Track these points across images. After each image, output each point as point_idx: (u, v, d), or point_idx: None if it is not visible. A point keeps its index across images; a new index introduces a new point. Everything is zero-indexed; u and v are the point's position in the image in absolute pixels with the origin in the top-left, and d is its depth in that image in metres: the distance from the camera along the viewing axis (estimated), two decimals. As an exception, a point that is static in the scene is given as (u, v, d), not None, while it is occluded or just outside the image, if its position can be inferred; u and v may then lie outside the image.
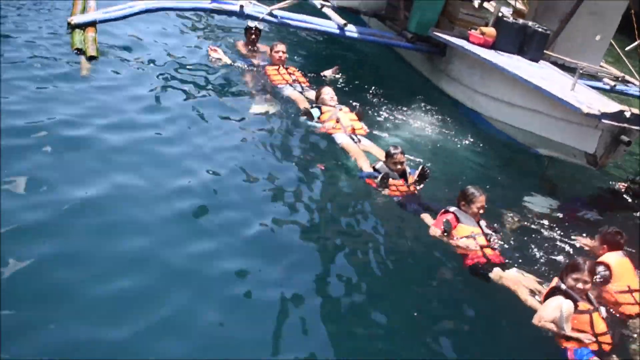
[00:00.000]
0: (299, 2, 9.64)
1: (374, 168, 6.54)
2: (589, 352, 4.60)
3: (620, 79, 10.57)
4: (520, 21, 9.37)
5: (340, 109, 7.59)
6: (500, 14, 9.35)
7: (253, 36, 9.35)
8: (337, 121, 7.39)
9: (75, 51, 7.83)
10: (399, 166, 6.43)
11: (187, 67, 8.45)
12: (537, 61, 9.12)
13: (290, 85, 8.36)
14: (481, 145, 8.31)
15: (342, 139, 7.17)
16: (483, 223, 5.77)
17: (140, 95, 7.31)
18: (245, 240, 5.12)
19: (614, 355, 4.68)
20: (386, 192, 6.28)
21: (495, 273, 5.23)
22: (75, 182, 5.19)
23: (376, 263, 5.35)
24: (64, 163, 5.45)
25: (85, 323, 3.84)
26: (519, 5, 12.37)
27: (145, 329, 3.93)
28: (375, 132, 7.71)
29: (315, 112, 7.54)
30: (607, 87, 10.36)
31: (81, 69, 7.55)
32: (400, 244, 5.79)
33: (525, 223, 6.43)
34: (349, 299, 4.82)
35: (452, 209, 5.73)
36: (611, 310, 5.18)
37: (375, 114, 8.37)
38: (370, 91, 9.03)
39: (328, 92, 7.73)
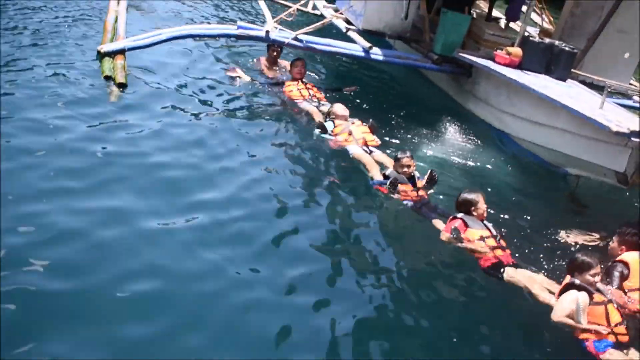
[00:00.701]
0: (324, 26, 9.74)
1: (384, 175, 6.74)
2: (608, 344, 4.72)
3: (651, 96, 10.41)
4: (547, 40, 9.31)
5: (353, 122, 7.80)
6: (526, 34, 9.32)
7: (275, 53, 9.63)
8: (350, 134, 7.60)
9: (105, 79, 8.00)
10: (406, 169, 6.63)
11: (210, 87, 8.70)
12: (564, 80, 9.04)
13: (307, 100, 8.64)
14: (510, 165, 8.26)
15: (354, 150, 7.40)
16: (489, 224, 5.94)
17: (164, 117, 7.50)
18: (263, 250, 5.27)
19: (631, 348, 4.75)
20: (397, 196, 6.49)
21: (508, 273, 5.39)
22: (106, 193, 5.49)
23: (390, 269, 5.53)
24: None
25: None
26: (546, 25, 12.34)
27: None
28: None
29: (329, 125, 7.80)
30: (638, 105, 10.22)
31: (110, 96, 7.72)
32: (412, 249, 6.00)
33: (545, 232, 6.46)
34: (367, 303, 4.97)
35: (460, 214, 5.89)
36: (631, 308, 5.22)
37: (402, 136, 8.38)
38: (397, 113, 9.05)
39: (340, 107, 8.00)
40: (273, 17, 9.59)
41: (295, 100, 8.64)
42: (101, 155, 6.20)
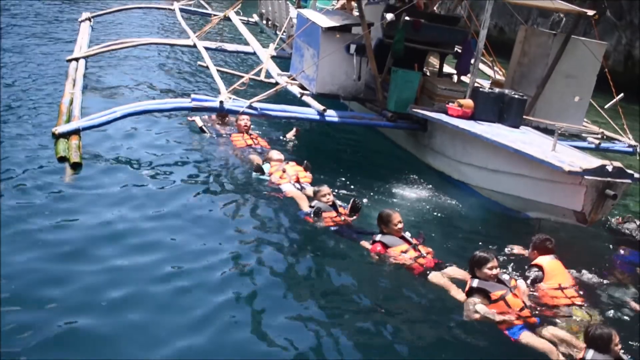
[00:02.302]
0: (277, 93, 9.87)
1: (311, 206, 7.38)
2: (520, 327, 5.51)
3: (603, 136, 10.59)
4: (497, 90, 9.51)
5: (287, 163, 8.59)
6: (477, 85, 9.52)
7: (221, 116, 10.41)
8: (284, 171, 8.32)
9: (60, 160, 7.96)
10: (327, 198, 7.42)
11: (164, 154, 8.97)
12: (517, 127, 9.18)
13: (251, 147, 9.51)
14: (471, 214, 8.30)
15: (286, 187, 8.10)
16: (408, 234, 6.73)
17: (119, 194, 7.52)
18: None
19: (547, 326, 5.59)
20: (322, 224, 7.18)
21: (430, 277, 6.19)
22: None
23: (321, 286, 6.25)
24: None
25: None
26: (499, 76, 12.63)
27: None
28: (365, 210, 7.73)
29: (265, 167, 8.58)
30: (593, 145, 10.38)
31: (65, 176, 7.67)
32: (342, 267, 6.57)
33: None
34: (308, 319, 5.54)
35: (378, 237, 6.63)
36: (546, 304, 6.09)
37: (364, 193, 8.39)
38: (357, 172, 9.09)
39: (275, 152, 8.85)
40: (227, 87, 9.71)
41: (240, 148, 9.46)
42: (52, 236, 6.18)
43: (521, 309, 5.64)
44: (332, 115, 9.48)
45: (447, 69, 12.56)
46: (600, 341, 5.02)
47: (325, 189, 7.52)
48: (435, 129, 9.55)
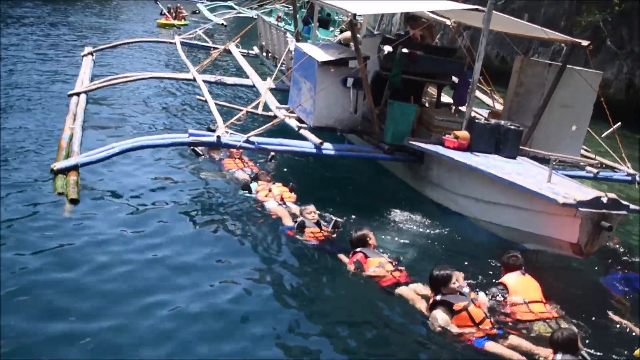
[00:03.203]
0: (275, 126, 9.94)
1: (295, 221, 7.86)
2: (483, 339, 5.80)
3: (601, 165, 10.60)
4: (493, 121, 9.54)
5: (274, 183, 9.09)
6: (473, 116, 9.55)
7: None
8: (270, 190, 8.82)
9: (59, 195, 8.02)
10: (312, 215, 7.90)
11: (160, 187, 9.13)
12: (514, 157, 9.19)
13: (241, 169, 9.98)
14: (468, 246, 8.26)
15: (270, 205, 8.59)
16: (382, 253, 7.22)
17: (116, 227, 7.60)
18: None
19: (510, 336, 5.92)
20: (303, 237, 7.64)
21: (398, 290, 6.56)
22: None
23: (297, 292, 6.76)
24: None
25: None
26: (498, 106, 12.68)
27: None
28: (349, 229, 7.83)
29: (253, 185, 9.08)
30: (591, 174, 10.39)
31: (64, 211, 7.73)
32: (319, 281, 7.13)
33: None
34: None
35: (359, 249, 7.09)
36: (511, 318, 6.33)
37: (358, 222, 8.37)
38: (354, 203, 9.10)
39: (264, 173, 9.46)
40: (226, 121, 9.78)
41: (230, 170, 9.97)
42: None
43: (482, 320, 5.96)
44: (329, 148, 9.51)
45: (445, 98, 12.63)
46: (569, 342, 5.45)
47: (311, 207, 8.04)
48: (432, 160, 9.57)
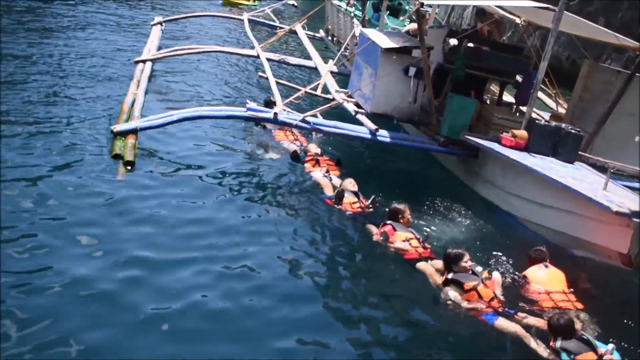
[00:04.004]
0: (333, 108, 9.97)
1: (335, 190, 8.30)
2: (493, 314, 6.00)
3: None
4: (553, 123, 9.36)
5: (322, 156, 9.43)
6: (534, 117, 9.38)
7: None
8: (317, 162, 9.19)
9: (114, 157, 8.26)
10: (351, 186, 8.20)
11: (214, 160, 9.26)
12: (571, 162, 9.00)
13: (291, 141, 10.18)
14: (516, 247, 8.11)
15: (315, 175, 8.95)
16: (413, 230, 7.40)
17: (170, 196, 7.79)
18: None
19: (515, 314, 6.06)
20: (340, 207, 7.95)
21: (419, 265, 6.82)
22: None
23: (329, 263, 7.01)
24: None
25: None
26: (562, 109, 12.41)
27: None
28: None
29: (302, 156, 9.44)
30: (651, 186, 10.08)
31: (118, 174, 7.95)
32: (349, 247, 7.45)
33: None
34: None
35: (389, 222, 7.33)
36: (529, 305, 6.42)
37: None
38: (403, 193, 9.03)
39: (313, 145, 9.78)
40: (284, 100, 9.87)
41: (280, 141, 10.22)
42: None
43: (491, 299, 6.19)
44: (384, 135, 9.50)
45: (507, 97, 12.43)
46: (567, 327, 5.50)
47: (349, 180, 8.31)
48: (487, 157, 9.44)
